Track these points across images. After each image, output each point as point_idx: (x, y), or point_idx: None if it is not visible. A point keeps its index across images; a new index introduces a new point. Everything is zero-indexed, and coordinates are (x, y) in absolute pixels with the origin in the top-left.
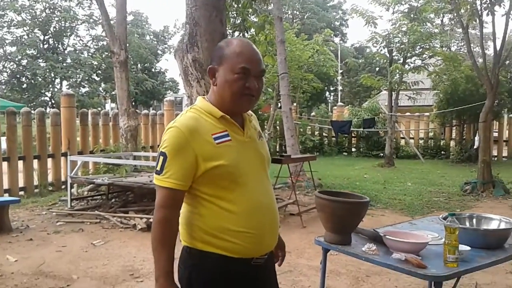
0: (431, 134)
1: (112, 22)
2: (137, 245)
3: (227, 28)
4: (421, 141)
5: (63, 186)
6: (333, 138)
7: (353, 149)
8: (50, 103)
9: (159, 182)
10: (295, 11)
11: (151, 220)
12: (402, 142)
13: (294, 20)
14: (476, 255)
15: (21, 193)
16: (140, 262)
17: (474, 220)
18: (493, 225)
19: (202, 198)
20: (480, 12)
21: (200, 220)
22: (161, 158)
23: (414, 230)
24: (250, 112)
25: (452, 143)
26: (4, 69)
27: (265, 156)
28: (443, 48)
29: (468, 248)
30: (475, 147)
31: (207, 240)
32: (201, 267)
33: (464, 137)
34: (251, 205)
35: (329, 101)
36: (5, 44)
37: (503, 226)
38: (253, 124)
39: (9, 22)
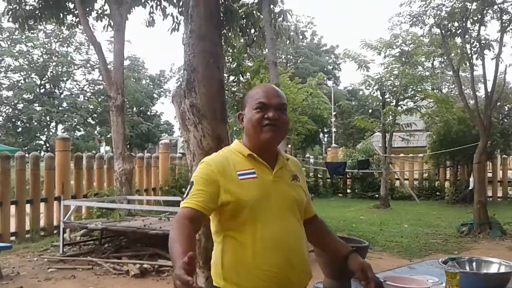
0: (425, 175)
1: (109, 67)
2: None
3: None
4: (415, 182)
5: (55, 231)
6: (328, 180)
7: (348, 191)
8: (44, 146)
9: (182, 204)
10: (289, 56)
11: (144, 265)
12: (397, 183)
13: (288, 64)
14: None
15: (12, 238)
16: None
17: (474, 264)
18: (493, 269)
19: (226, 234)
20: (470, 55)
21: (224, 257)
22: (189, 186)
23: (414, 274)
24: (289, 156)
25: (446, 184)
26: (0, 113)
27: (297, 198)
28: (435, 91)
29: None
30: (470, 188)
31: (227, 277)
32: None
33: (459, 177)
34: (271, 243)
35: (323, 142)
36: (2, 88)
37: (503, 269)
38: (288, 167)
39: (6, 67)
